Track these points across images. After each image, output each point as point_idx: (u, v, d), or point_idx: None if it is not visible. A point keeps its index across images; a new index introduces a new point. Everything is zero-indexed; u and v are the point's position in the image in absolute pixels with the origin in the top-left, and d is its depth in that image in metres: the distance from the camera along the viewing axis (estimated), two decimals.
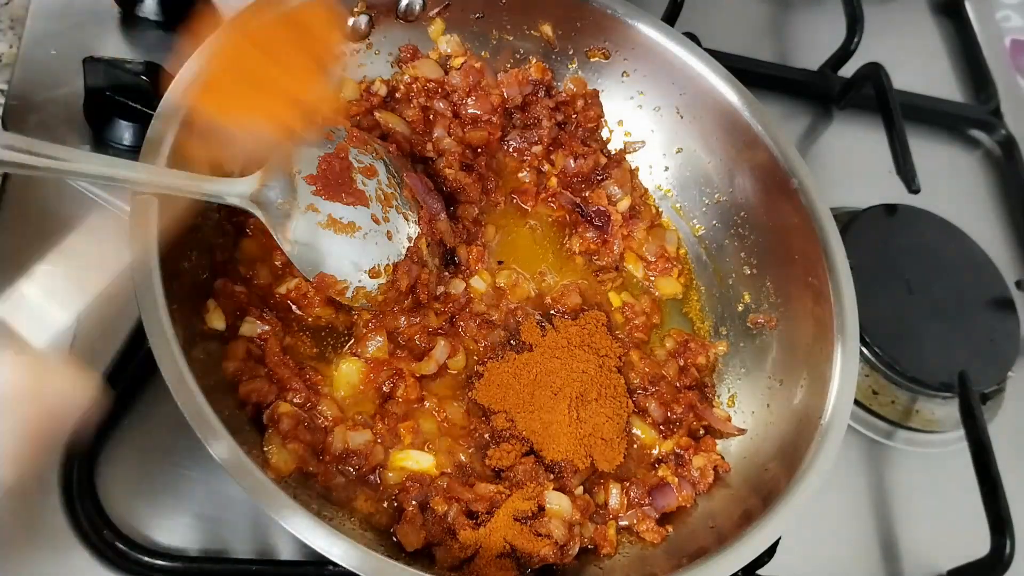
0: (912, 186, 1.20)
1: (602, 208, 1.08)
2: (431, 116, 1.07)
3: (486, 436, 0.91)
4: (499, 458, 0.88)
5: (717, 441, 0.98)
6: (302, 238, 0.84)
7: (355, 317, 0.93)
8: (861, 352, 1.04)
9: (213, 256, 0.89)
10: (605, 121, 1.15)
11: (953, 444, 1.14)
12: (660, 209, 1.15)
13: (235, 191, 0.82)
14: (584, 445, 0.92)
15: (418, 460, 0.87)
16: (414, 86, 1.07)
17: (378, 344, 0.91)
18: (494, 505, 0.84)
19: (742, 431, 0.98)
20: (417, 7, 1.05)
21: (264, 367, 0.86)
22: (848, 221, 1.21)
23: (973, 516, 1.01)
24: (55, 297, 0.84)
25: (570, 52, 1.12)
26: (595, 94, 1.14)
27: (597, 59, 1.11)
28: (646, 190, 1.15)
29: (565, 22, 1.10)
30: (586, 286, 1.05)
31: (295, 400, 0.85)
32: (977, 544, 1.00)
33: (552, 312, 1.02)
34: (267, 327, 0.88)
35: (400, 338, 0.93)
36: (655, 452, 0.96)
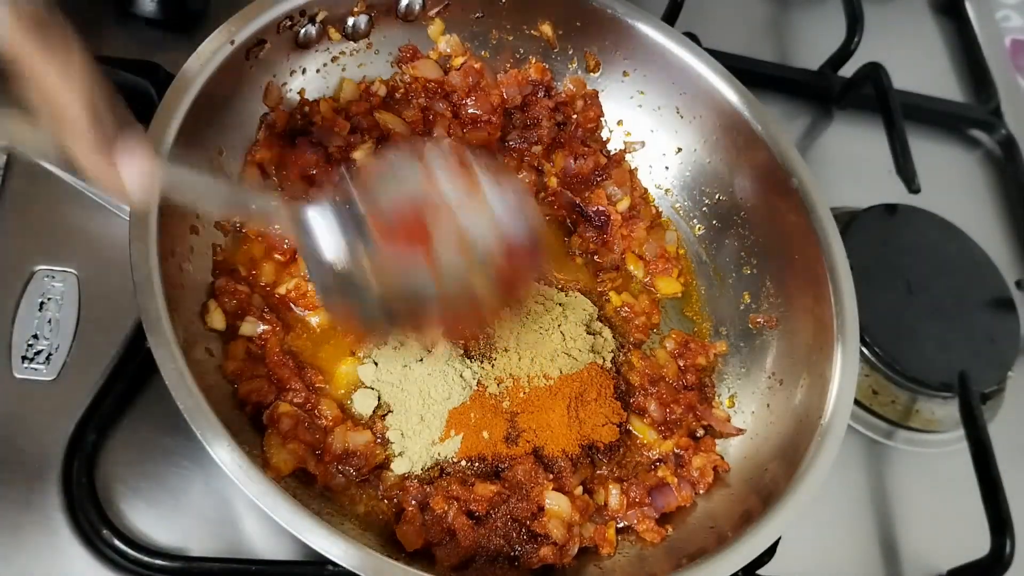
0: (912, 186, 1.20)
1: (602, 208, 1.08)
2: (431, 116, 1.07)
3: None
4: (500, 454, 0.88)
5: (717, 441, 0.98)
6: None
7: None
8: (861, 352, 1.03)
9: (213, 256, 0.89)
10: (605, 121, 1.15)
11: (953, 444, 1.14)
12: (660, 209, 1.15)
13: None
14: (582, 445, 0.91)
15: None
16: (414, 86, 1.07)
17: None
18: (494, 505, 0.84)
19: (742, 431, 0.98)
20: (417, 7, 1.05)
21: (264, 367, 0.86)
22: (848, 221, 1.20)
23: (973, 516, 1.00)
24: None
25: (570, 52, 1.12)
26: (595, 94, 1.14)
27: (590, 67, 1.11)
28: (646, 190, 1.15)
29: (565, 22, 1.09)
30: (586, 286, 1.05)
31: (295, 400, 0.85)
32: (977, 544, 1.00)
33: None
34: (267, 327, 0.88)
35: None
36: (654, 452, 0.96)
